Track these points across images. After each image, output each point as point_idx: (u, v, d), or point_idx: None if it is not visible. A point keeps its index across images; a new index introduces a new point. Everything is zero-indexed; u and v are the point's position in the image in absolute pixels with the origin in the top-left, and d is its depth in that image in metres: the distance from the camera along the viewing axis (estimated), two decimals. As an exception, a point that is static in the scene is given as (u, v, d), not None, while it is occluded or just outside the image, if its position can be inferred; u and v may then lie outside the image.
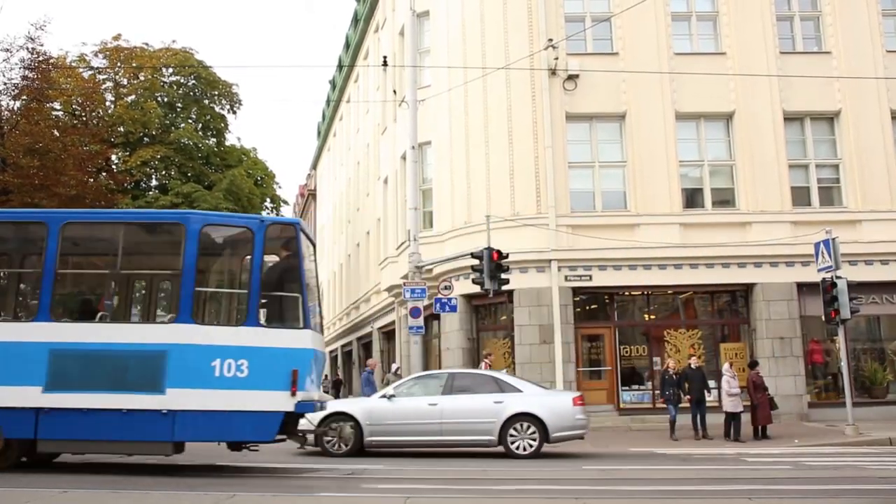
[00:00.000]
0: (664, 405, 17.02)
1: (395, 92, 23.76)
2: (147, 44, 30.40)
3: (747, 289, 19.22)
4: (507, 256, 16.76)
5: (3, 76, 20.50)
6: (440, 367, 20.56)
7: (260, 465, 11.09)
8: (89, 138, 22.95)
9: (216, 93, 31.80)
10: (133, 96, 29.64)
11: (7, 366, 9.01)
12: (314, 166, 52.49)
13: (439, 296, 17.85)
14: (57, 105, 24.23)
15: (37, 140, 19.90)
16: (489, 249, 16.52)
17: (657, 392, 17.62)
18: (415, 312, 17.84)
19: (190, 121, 31.31)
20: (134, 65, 29.08)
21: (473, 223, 18.97)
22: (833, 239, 16.02)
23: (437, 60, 21.00)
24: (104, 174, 26.45)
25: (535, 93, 19.26)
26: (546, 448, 12.72)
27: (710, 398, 16.73)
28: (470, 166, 19.73)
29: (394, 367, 21.52)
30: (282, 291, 9.60)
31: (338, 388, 32.34)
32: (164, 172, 29.76)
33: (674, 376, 16.32)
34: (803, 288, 18.62)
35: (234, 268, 10.96)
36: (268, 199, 34.97)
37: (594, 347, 19.17)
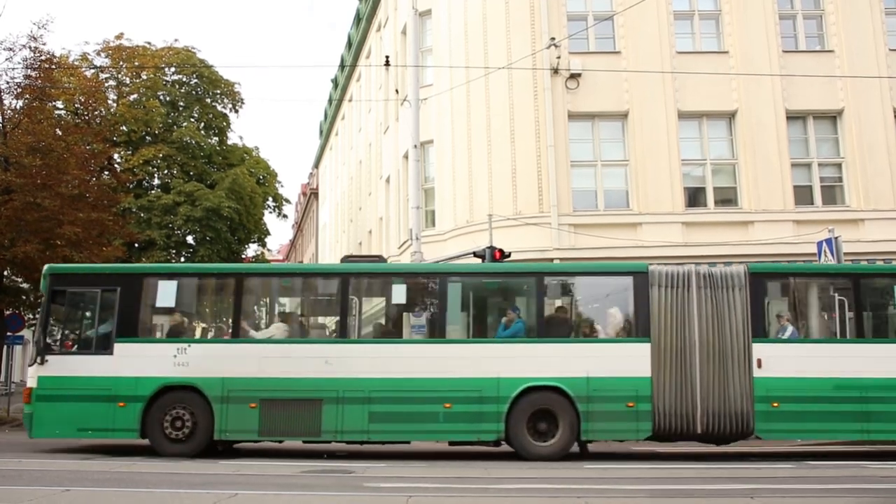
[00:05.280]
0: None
1: (397, 91, 23.75)
2: (149, 43, 30.48)
3: (750, 288, 19.15)
4: (509, 255, 16.73)
5: (6, 75, 20.51)
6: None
7: (260, 463, 11.11)
8: (92, 137, 22.90)
9: (218, 92, 31.82)
10: (135, 95, 29.65)
11: None
12: (316, 165, 52.49)
13: (441, 295, 17.79)
14: (59, 104, 24.24)
15: (39, 139, 19.88)
16: (491, 248, 16.49)
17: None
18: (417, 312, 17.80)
19: (192, 120, 31.32)
20: (136, 64, 29.09)
21: (475, 222, 18.96)
22: (836, 238, 15.95)
23: (439, 59, 20.99)
24: (107, 173, 26.43)
25: (537, 92, 19.25)
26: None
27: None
28: (472, 165, 19.72)
29: None
30: None
31: None
32: (166, 171, 29.78)
33: None
34: (806, 287, 18.58)
35: None
36: (270, 198, 34.98)
37: (596, 346, 19.08)
